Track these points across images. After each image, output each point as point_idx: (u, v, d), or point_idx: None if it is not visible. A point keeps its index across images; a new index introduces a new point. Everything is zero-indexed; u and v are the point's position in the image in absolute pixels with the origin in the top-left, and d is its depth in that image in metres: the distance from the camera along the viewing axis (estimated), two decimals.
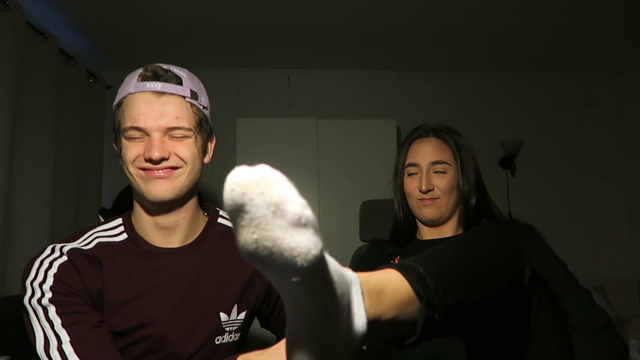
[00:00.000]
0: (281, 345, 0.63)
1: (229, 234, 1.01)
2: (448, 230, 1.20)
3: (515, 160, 3.51)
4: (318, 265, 0.44)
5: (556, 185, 3.55)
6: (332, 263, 0.49)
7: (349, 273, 0.52)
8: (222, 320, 0.96)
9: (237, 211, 0.39)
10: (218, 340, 0.96)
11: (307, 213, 0.42)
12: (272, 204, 0.40)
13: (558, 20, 2.71)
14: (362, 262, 1.28)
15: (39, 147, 2.34)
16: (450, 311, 0.60)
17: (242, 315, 0.99)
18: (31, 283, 0.83)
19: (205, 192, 3.29)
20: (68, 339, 0.79)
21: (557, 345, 0.87)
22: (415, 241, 1.25)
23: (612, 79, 3.64)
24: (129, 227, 0.95)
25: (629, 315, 3.05)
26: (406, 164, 1.21)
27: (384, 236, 1.37)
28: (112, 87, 3.23)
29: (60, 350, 0.78)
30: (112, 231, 0.94)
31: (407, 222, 1.25)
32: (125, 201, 1.30)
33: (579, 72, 3.61)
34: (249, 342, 1.06)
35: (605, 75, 3.63)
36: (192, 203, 0.97)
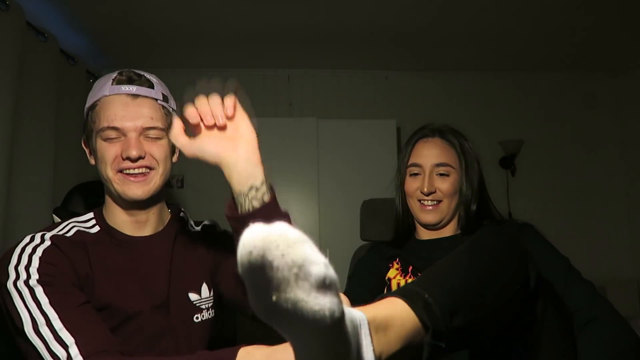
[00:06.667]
0: (287, 347, 0.62)
1: (189, 224, 1.12)
2: (446, 231, 1.19)
3: (515, 160, 3.51)
4: (338, 325, 0.42)
5: (556, 185, 3.55)
6: (347, 314, 0.47)
7: (357, 315, 0.51)
8: (193, 300, 1.03)
9: (255, 273, 0.37)
10: (197, 318, 1.02)
11: (331, 273, 0.40)
12: (294, 265, 0.37)
13: (558, 20, 2.70)
14: (361, 267, 1.28)
15: (39, 147, 2.34)
16: (457, 332, 0.60)
17: (212, 293, 1.07)
18: (15, 267, 0.83)
19: (204, 195, 3.29)
20: (56, 315, 0.79)
21: (563, 349, 0.87)
22: (413, 240, 1.24)
23: (612, 78, 3.64)
24: (100, 220, 1.00)
25: (629, 315, 3.04)
26: (409, 163, 1.19)
27: (385, 235, 1.37)
28: None
29: (50, 326, 0.78)
30: (85, 223, 0.99)
31: (406, 221, 1.24)
32: (74, 200, 1.34)
33: (579, 72, 3.61)
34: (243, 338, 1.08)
35: (606, 75, 3.63)
36: (161, 198, 1.05)
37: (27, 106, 2.23)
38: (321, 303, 0.39)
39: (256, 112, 3.36)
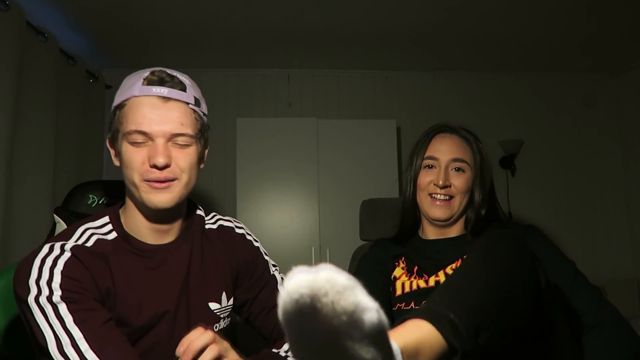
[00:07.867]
0: None
1: (204, 222, 1.07)
2: (453, 231, 1.19)
3: (515, 160, 3.51)
4: None
5: (556, 185, 3.55)
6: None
7: (393, 346, 0.49)
8: (214, 309, 1.00)
9: (301, 323, 0.36)
10: (216, 327, 1.00)
11: (383, 319, 0.38)
12: (344, 313, 0.36)
13: (558, 20, 2.71)
14: (365, 263, 1.26)
15: (39, 147, 2.34)
16: (481, 350, 0.60)
17: (231, 301, 1.05)
18: (37, 282, 0.80)
19: (204, 194, 3.29)
20: (81, 335, 0.78)
21: (571, 352, 0.87)
22: (418, 240, 1.23)
23: (612, 78, 3.64)
24: (117, 225, 0.95)
25: (629, 315, 3.03)
26: (425, 156, 1.17)
27: (384, 235, 1.37)
28: (112, 87, 3.24)
29: (75, 347, 0.77)
30: (101, 229, 0.94)
31: (412, 215, 1.23)
32: (74, 200, 1.30)
33: (579, 72, 3.61)
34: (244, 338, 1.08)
35: (605, 75, 3.63)
36: (184, 206, 1.01)
37: (27, 106, 2.23)
38: (373, 352, 0.37)
39: (256, 112, 3.38)
